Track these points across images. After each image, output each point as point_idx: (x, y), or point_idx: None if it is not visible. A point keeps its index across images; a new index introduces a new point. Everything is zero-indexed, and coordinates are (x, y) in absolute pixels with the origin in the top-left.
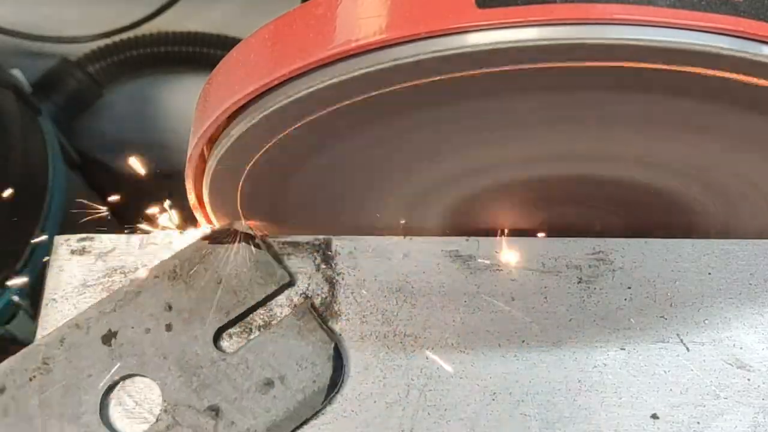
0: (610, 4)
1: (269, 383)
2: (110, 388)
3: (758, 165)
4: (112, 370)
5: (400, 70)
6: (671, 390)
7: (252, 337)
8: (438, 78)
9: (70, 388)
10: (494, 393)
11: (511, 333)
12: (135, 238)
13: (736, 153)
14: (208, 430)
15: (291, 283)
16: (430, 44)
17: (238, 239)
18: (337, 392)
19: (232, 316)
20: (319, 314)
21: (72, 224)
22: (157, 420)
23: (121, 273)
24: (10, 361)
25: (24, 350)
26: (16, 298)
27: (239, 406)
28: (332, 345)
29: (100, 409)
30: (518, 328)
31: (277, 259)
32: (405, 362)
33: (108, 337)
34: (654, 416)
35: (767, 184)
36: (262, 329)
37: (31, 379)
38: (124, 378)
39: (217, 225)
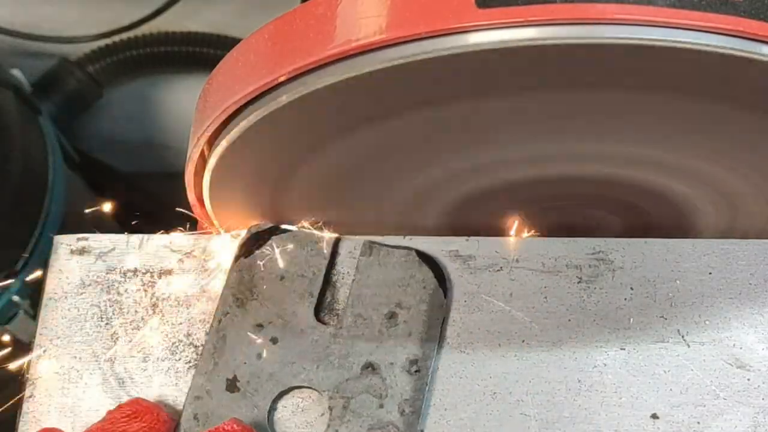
0: (610, 3)
1: (392, 315)
2: (269, 420)
3: (759, 165)
4: (258, 405)
5: (400, 70)
6: (671, 390)
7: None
8: (438, 78)
9: (275, 371)
10: (494, 393)
11: (511, 333)
12: (135, 238)
13: (737, 153)
14: (377, 383)
15: (338, 239)
16: (430, 44)
17: (266, 238)
18: (450, 284)
19: (316, 293)
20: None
21: (72, 224)
22: (331, 410)
23: (120, 273)
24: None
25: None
26: (16, 298)
27: (384, 348)
28: (413, 252)
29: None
30: (518, 328)
31: (310, 228)
32: None
33: (231, 385)
34: (654, 416)
35: (767, 184)
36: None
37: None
38: (273, 404)
39: (217, 225)
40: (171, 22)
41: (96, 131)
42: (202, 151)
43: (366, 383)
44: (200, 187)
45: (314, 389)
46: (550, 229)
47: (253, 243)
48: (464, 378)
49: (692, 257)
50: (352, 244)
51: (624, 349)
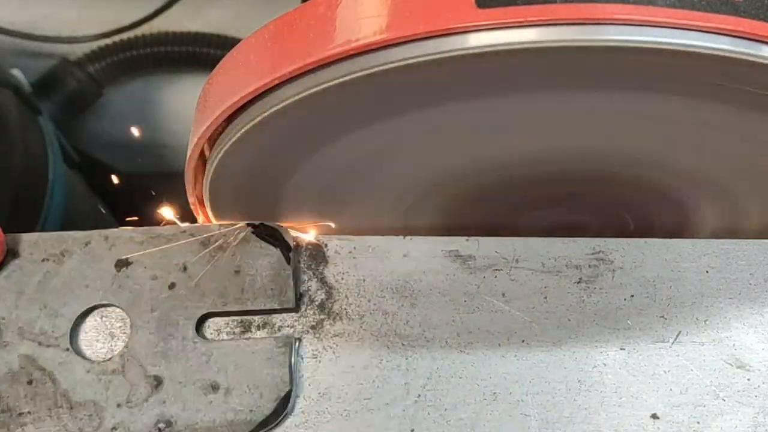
0: (610, 4)
1: (215, 387)
2: (95, 307)
3: (759, 165)
4: (107, 292)
5: (400, 70)
6: (671, 390)
7: (231, 336)
8: (438, 78)
9: (66, 286)
10: (494, 393)
11: (511, 333)
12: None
13: (737, 153)
14: (140, 394)
15: (293, 310)
16: (430, 44)
17: (278, 243)
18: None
19: (226, 309)
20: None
21: (72, 224)
22: (110, 359)
23: None
24: (40, 236)
25: (55, 234)
26: None
27: (178, 390)
28: (287, 391)
29: (76, 318)
30: (518, 328)
31: (296, 278)
32: (405, 362)
33: (121, 264)
34: (654, 416)
35: (767, 184)
36: (246, 332)
37: (43, 260)
38: (110, 305)
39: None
40: (171, 22)
41: (96, 131)
42: (202, 151)
43: (140, 382)
44: (200, 187)
45: (127, 345)
46: (550, 229)
47: (270, 235)
48: (464, 378)
49: (692, 257)
50: (352, 244)
51: (624, 349)
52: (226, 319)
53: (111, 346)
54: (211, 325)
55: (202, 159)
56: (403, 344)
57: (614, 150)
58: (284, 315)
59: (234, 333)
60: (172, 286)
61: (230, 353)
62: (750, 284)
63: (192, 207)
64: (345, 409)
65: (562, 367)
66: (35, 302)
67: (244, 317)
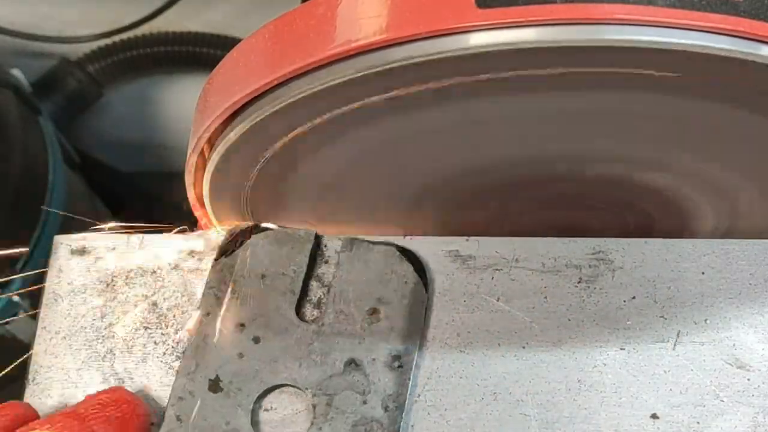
0: (610, 4)
1: (374, 311)
2: (253, 421)
3: (759, 165)
4: (242, 404)
5: (400, 70)
6: (671, 390)
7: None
8: (438, 78)
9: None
10: (494, 393)
11: (511, 333)
12: (135, 238)
13: (737, 153)
14: (359, 379)
15: (319, 236)
16: (430, 44)
17: (247, 236)
18: (431, 279)
19: (297, 291)
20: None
21: (72, 224)
22: (314, 407)
23: (121, 273)
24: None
25: None
26: (16, 298)
27: (366, 344)
28: (393, 247)
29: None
30: (518, 328)
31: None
32: None
33: (214, 385)
34: (654, 416)
35: (767, 185)
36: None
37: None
38: (256, 403)
39: (217, 225)
40: (171, 22)
41: (96, 131)
42: (202, 151)
43: (349, 380)
44: (200, 187)
45: (297, 387)
46: (550, 229)
47: (234, 242)
48: (464, 378)
49: (692, 257)
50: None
51: (624, 349)
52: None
53: (296, 412)
54: (307, 311)
55: (202, 159)
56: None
57: (614, 150)
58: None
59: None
60: (256, 340)
61: (343, 293)
62: (750, 284)
63: (192, 207)
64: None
65: (562, 367)
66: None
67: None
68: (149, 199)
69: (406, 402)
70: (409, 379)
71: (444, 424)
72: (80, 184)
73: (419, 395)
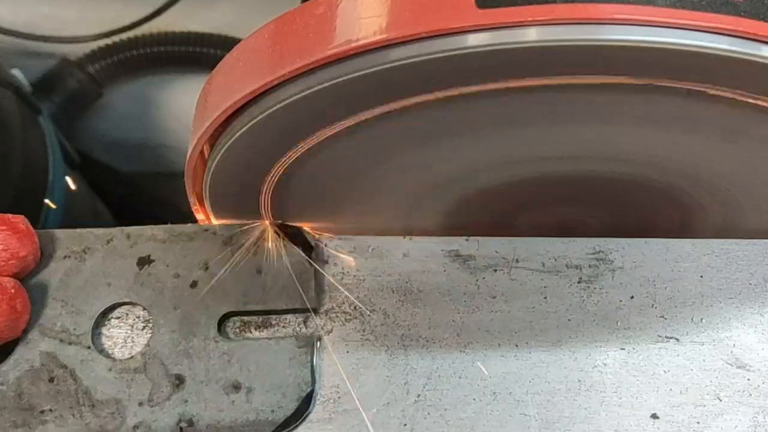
0: (610, 4)
1: (237, 387)
2: (117, 305)
3: (759, 165)
4: (129, 290)
5: (400, 70)
6: (671, 390)
7: (253, 335)
8: (438, 78)
9: (88, 284)
10: (494, 393)
11: (511, 333)
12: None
13: (737, 153)
14: (162, 393)
15: (314, 311)
16: (430, 44)
17: (299, 244)
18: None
19: (248, 308)
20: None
21: (72, 224)
22: (131, 357)
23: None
24: (62, 232)
25: (77, 230)
26: None
27: (200, 390)
28: (309, 390)
29: (98, 317)
30: (518, 328)
31: (318, 281)
32: (405, 362)
33: (143, 261)
34: (654, 416)
35: (767, 184)
36: (265, 330)
37: (65, 257)
38: (132, 304)
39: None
40: (171, 22)
41: (96, 131)
42: (202, 151)
43: (162, 381)
44: (200, 186)
45: (148, 343)
46: (550, 229)
47: (293, 235)
48: (464, 378)
49: (692, 257)
50: (352, 244)
51: (624, 349)
52: (248, 318)
53: (133, 344)
54: (232, 325)
55: (202, 159)
56: (403, 344)
57: (614, 150)
58: (293, 316)
59: (254, 332)
60: (194, 284)
61: (252, 353)
62: (750, 284)
63: (192, 207)
64: (344, 409)
65: (562, 367)
66: (57, 300)
67: (265, 317)
68: (149, 199)
69: None
70: None
71: (444, 424)
72: (80, 184)
73: (419, 395)
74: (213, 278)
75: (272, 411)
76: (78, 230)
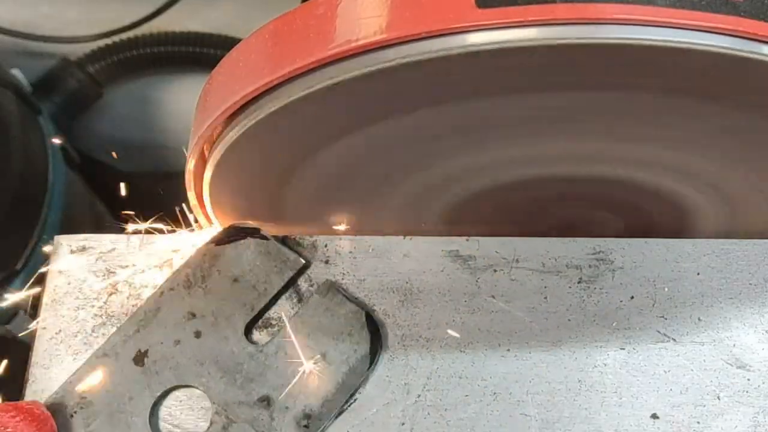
0: (610, 4)
1: (314, 362)
2: (155, 405)
3: (759, 165)
4: (153, 387)
5: (399, 70)
6: (671, 390)
7: (281, 325)
8: (438, 78)
9: (114, 414)
10: (494, 393)
11: (511, 333)
12: (135, 238)
13: (737, 153)
14: (264, 419)
15: (307, 266)
16: (430, 44)
17: (243, 236)
18: (379, 357)
19: (257, 309)
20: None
21: (72, 224)
22: (211, 424)
23: (121, 273)
24: (50, 399)
25: (59, 389)
26: (16, 298)
27: (288, 391)
28: (363, 313)
29: (150, 427)
30: (518, 328)
31: (288, 245)
32: (405, 362)
33: (139, 358)
34: (654, 416)
35: (767, 185)
36: (292, 314)
37: (71, 416)
38: (166, 392)
39: (218, 225)
40: (171, 22)
41: (96, 131)
42: (202, 151)
43: (254, 414)
44: (200, 187)
45: (208, 397)
46: (550, 229)
47: (230, 235)
48: (464, 378)
49: (692, 257)
50: (352, 244)
51: (624, 349)
52: (265, 321)
53: (199, 417)
54: (256, 332)
55: (202, 159)
56: (403, 344)
57: (614, 150)
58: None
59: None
60: (197, 335)
61: (297, 332)
62: (750, 284)
63: (192, 207)
64: (345, 409)
65: (562, 367)
66: None
67: (276, 312)
68: (149, 199)
69: None
70: None
71: (444, 424)
72: (80, 184)
73: (419, 395)
74: (207, 317)
75: (354, 351)
76: (58, 389)
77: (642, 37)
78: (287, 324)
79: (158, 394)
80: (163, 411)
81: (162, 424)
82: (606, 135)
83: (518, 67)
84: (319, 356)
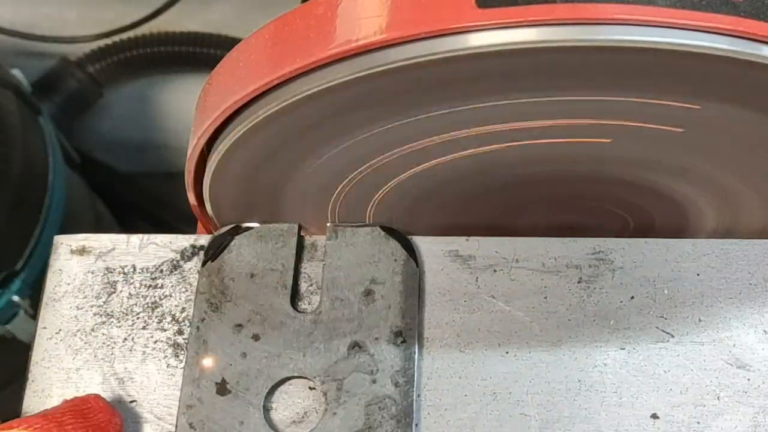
0: (610, 4)
1: (369, 292)
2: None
3: (759, 166)
4: (251, 404)
5: (400, 70)
6: (671, 390)
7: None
8: (438, 78)
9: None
10: (494, 393)
11: (511, 333)
12: (135, 238)
13: (737, 154)
14: (365, 360)
15: (301, 226)
16: (430, 44)
17: (230, 239)
18: (419, 252)
19: (289, 284)
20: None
21: (72, 224)
22: (325, 393)
23: (121, 273)
24: None
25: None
26: (16, 298)
27: (366, 325)
28: (377, 227)
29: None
30: (518, 328)
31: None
32: None
33: (221, 388)
34: (654, 416)
35: (767, 185)
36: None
37: None
38: (266, 397)
39: (217, 225)
40: (171, 22)
41: (96, 131)
42: (202, 151)
43: (355, 362)
44: (200, 187)
45: (305, 377)
46: (550, 229)
47: (218, 245)
48: (464, 378)
49: (692, 257)
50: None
51: (624, 349)
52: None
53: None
54: (303, 303)
55: (202, 159)
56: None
57: (614, 150)
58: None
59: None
60: (255, 338)
61: (334, 281)
62: (750, 284)
63: (192, 207)
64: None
65: (562, 367)
66: None
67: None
68: (149, 199)
69: (415, 375)
70: (415, 351)
71: (444, 424)
72: (80, 184)
73: (419, 395)
74: (251, 321)
75: (395, 260)
76: None
77: (642, 37)
78: (324, 279)
79: (261, 404)
80: (274, 416)
81: (279, 426)
82: (606, 135)
83: (518, 67)
84: (370, 284)
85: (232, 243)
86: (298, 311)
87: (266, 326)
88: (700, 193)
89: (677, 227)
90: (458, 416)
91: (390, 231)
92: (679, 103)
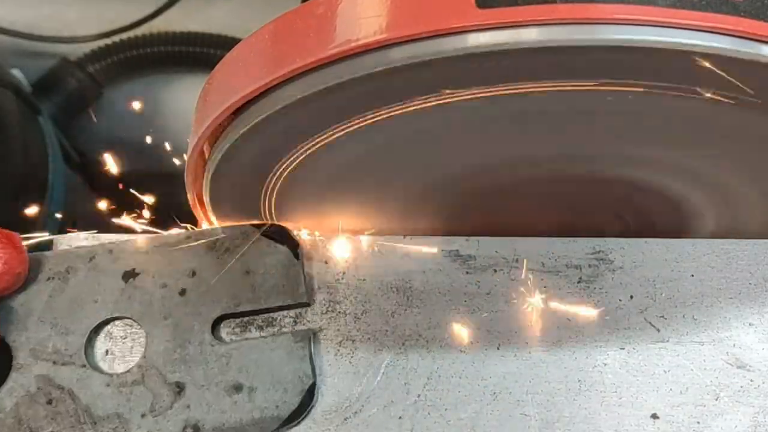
0: (610, 4)
1: (238, 388)
2: (106, 321)
3: (759, 166)
4: (116, 306)
5: (400, 70)
6: (671, 390)
7: (248, 336)
8: (438, 78)
9: (75, 303)
10: (494, 393)
11: (511, 333)
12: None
13: (737, 153)
14: (164, 402)
15: (306, 305)
16: (430, 44)
17: (282, 241)
18: (289, 428)
19: (240, 309)
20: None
21: (72, 224)
22: (128, 371)
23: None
24: (42, 255)
25: (59, 251)
26: None
27: (201, 394)
28: (311, 382)
29: (89, 335)
30: (518, 328)
31: (307, 276)
32: (405, 362)
33: (129, 275)
34: (654, 416)
35: (767, 184)
36: (261, 330)
37: (49, 279)
38: (122, 318)
39: (217, 224)
40: (171, 22)
41: (96, 131)
42: (202, 151)
43: (162, 390)
44: (200, 187)
45: (144, 355)
46: (551, 229)
47: (274, 233)
48: (464, 378)
49: (692, 257)
50: (351, 244)
51: (624, 349)
52: (241, 320)
53: (128, 358)
54: (227, 328)
55: (202, 159)
56: (403, 344)
57: (614, 150)
58: (285, 312)
59: (250, 333)
60: (182, 292)
61: (250, 352)
62: (750, 284)
63: (192, 207)
64: (345, 409)
65: (562, 367)
66: (45, 322)
67: (264, 316)
68: (149, 199)
69: None
70: None
71: (444, 424)
72: (80, 184)
73: (419, 395)
74: (202, 284)
75: (276, 407)
76: (60, 251)
77: (642, 37)
78: (249, 340)
79: (116, 314)
80: (110, 329)
81: (100, 339)
82: (606, 135)
83: (518, 67)
84: (247, 387)
85: (277, 245)
86: (212, 330)
87: (194, 299)
88: (701, 193)
89: (677, 227)
90: (458, 416)
91: (310, 389)
92: (679, 103)
